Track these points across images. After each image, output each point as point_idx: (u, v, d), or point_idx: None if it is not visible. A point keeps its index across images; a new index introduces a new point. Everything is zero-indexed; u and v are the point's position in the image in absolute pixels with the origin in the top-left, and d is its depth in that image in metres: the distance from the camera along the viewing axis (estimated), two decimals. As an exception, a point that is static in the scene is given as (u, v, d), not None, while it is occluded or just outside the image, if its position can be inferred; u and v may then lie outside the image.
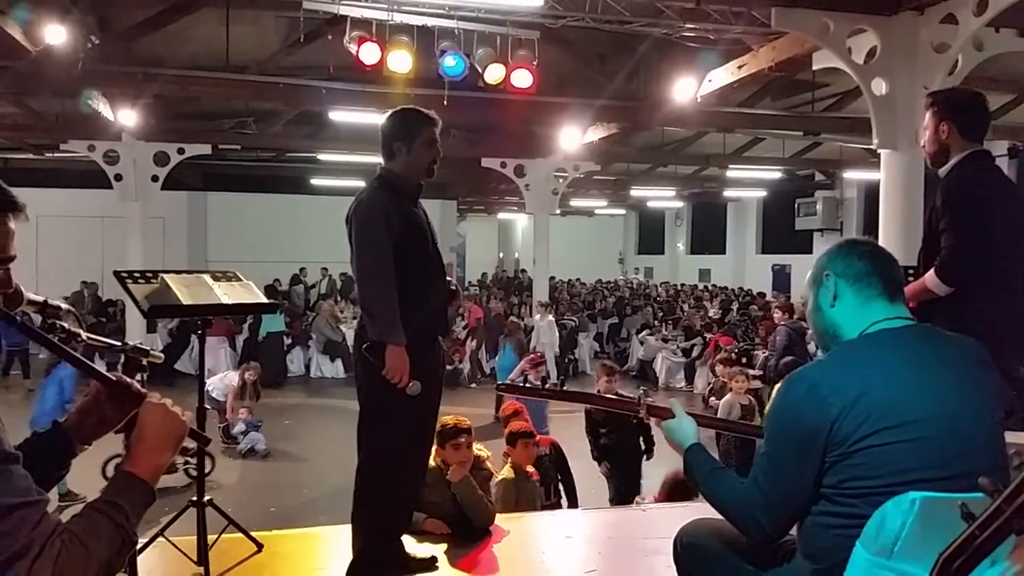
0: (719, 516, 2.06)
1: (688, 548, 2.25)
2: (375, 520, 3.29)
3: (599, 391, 6.42)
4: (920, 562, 1.39)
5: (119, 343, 2.14)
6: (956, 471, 1.69)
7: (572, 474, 6.08)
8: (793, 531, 1.95)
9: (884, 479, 1.70)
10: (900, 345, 1.87)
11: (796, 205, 21.74)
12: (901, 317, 1.93)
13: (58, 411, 7.79)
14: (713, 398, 9.99)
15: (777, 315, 10.61)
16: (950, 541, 1.11)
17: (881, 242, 6.38)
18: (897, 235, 6.40)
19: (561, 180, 15.90)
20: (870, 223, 19.03)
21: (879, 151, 6.70)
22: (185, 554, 3.51)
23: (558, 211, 17.31)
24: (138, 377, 1.81)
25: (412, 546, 3.72)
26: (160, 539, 3.54)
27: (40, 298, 2.06)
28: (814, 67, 7.31)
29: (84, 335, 2.04)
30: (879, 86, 6.51)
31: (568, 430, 10.19)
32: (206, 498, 3.66)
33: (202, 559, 3.47)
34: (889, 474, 1.71)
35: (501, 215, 32.10)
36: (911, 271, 3.54)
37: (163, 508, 3.30)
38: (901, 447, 1.72)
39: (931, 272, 3.18)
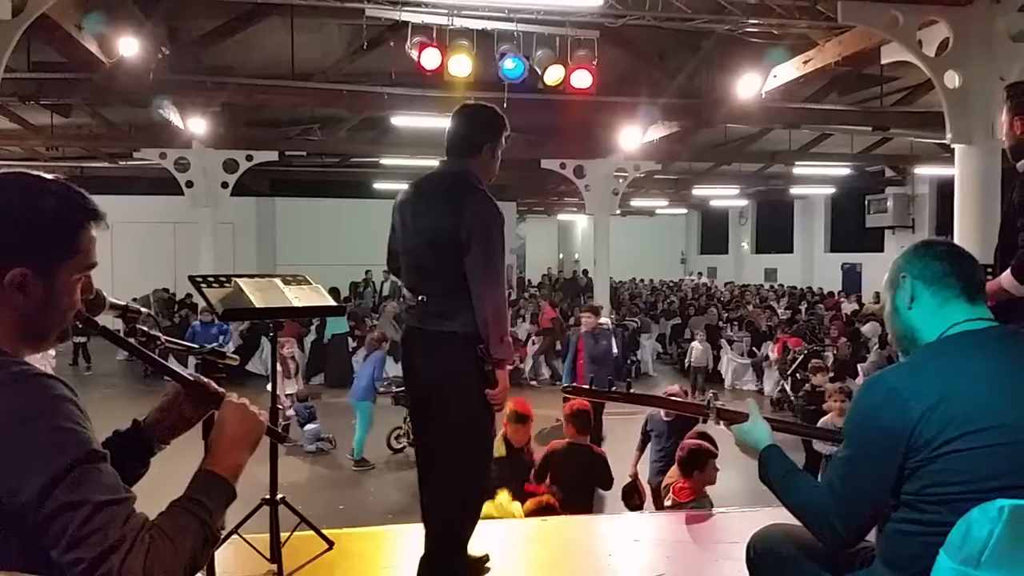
0: (792, 521, 2.01)
1: (763, 554, 2.20)
2: (467, 524, 3.25)
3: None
4: (1010, 573, 1.35)
5: (196, 346, 2.19)
6: None
7: (613, 483, 5.87)
8: (871, 537, 1.90)
9: (968, 485, 1.64)
10: (983, 347, 1.81)
11: (866, 202, 21.22)
12: (983, 319, 1.87)
13: (370, 388, 9.77)
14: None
15: (587, 319, 9.46)
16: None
17: (956, 240, 6.22)
18: (973, 232, 6.20)
19: (621, 180, 15.79)
20: (943, 220, 18.46)
21: (953, 146, 6.51)
22: (259, 551, 3.59)
23: (618, 211, 17.21)
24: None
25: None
26: (234, 536, 3.63)
27: (121, 303, 2.13)
28: (883, 61, 7.14)
29: (163, 338, 2.10)
30: (952, 79, 6.31)
31: (625, 430, 10.13)
32: (278, 496, 3.73)
33: (275, 556, 3.54)
34: (974, 480, 1.65)
35: (561, 216, 32.03)
36: (988, 269, 3.43)
37: (235, 505, 3.38)
38: (986, 452, 1.66)
39: (1007, 272, 3.07)
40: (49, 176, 1.47)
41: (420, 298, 3.16)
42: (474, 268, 2.96)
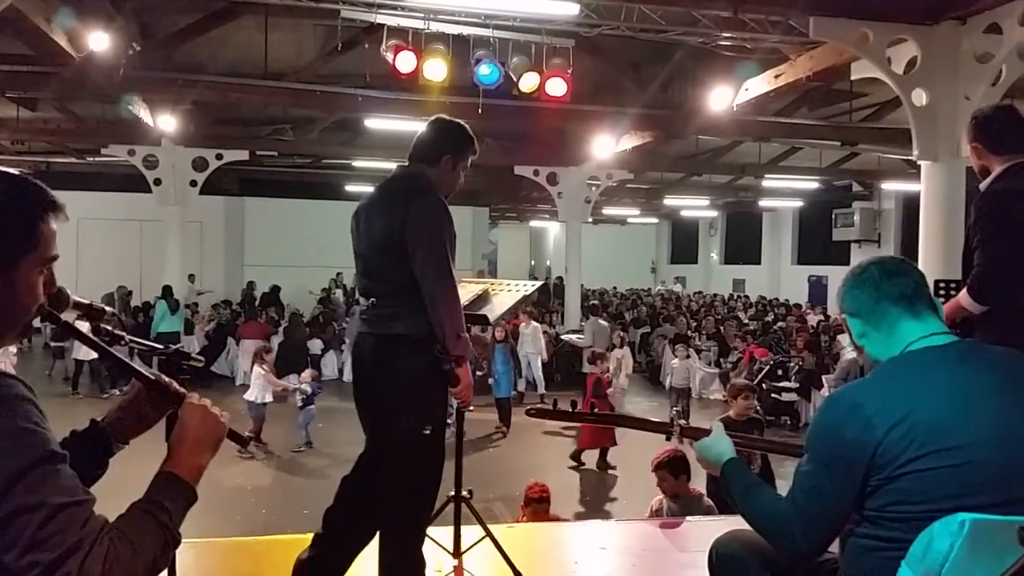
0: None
1: (725, 560, 2.20)
2: (424, 529, 3.18)
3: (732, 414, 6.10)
4: (969, 585, 1.36)
5: (160, 346, 2.16)
6: (1013, 496, 1.63)
7: None
8: (836, 550, 1.90)
9: (930, 504, 1.64)
10: (945, 365, 1.80)
11: (833, 216, 21.52)
12: (939, 333, 1.86)
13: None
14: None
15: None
16: (1003, 565, 1.07)
17: (921, 254, 6.34)
18: (938, 247, 6.31)
19: (594, 188, 15.89)
20: (908, 235, 18.78)
21: (919, 162, 6.61)
22: (442, 546, 3.58)
23: (590, 219, 17.29)
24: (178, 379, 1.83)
25: None
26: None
27: (86, 301, 2.09)
28: (853, 77, 7.25)
29: (127, 338, 2.06)
30: (919, 96, 6.42)
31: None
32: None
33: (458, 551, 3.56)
34: (934, 500, 1.64)
35: (533, 223, 32.10)
36: (953, 284, 3.50)
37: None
38: (949, 472, 1.65)
39: (964, 291, 3.15)
40: (3, 169, 1.44)
41: (371, 301, 3.13)
42: (423, 267, 2.93)
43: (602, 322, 13.15)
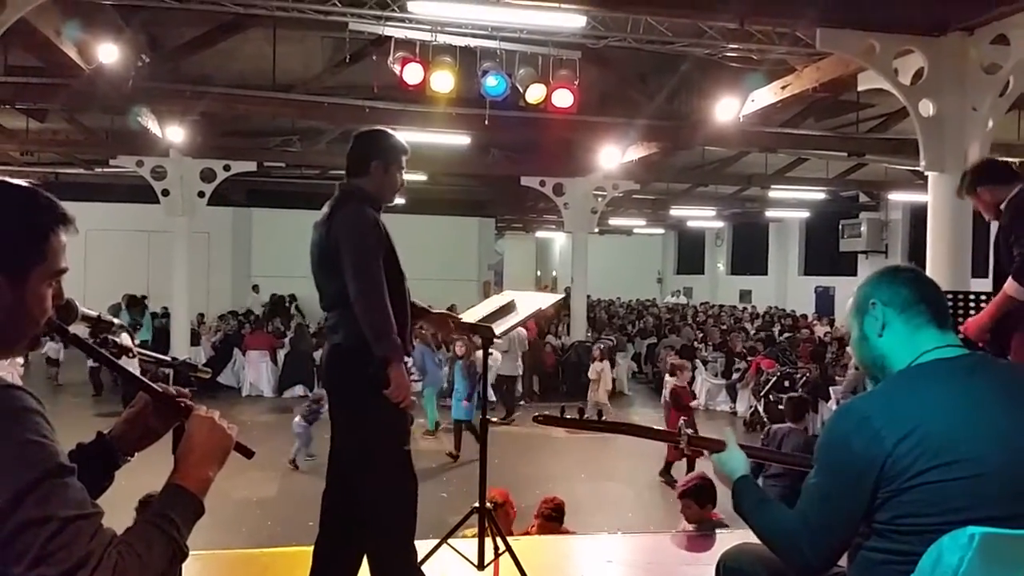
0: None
1: (732, 574, 2.20)
2: (407, 541, 3.14)
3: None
4: (979, 600, 1.35)
5: (168, 358, 2.16)
6: (1022, 510, 1.62)
7: None
8: (845, 564, 1.89)
9: (940, 517, 1.63)
10: (955, 377, 1.80)
11: (840, 226, 21.48)
12: (952, 345, 1.86)
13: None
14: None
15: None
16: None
17: (929, 266, 6.33)
18: (945, 258, 6.30)
19: (600, 199, 15.91)
20: (915, 245, 18.73)
21: (926, 173, 6.60)
22: (466, 558, 3.60)
23: (596, 230, 17.30)
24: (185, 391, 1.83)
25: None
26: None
27: (94, 313, 2.09)
28: (859, 88, 7.25)
29: (135, 350, 2.07)
30: (926, 107, 6.41)
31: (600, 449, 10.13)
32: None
33: (482, 562, 3.59)
34: (945, 512, 1.63)
35: (539, 233, 32.10)
36: (960, 296, 3.59)
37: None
38: (959, 484, 1.65)
39: (1009, 280, 3.34)
40: (15, 181, 1.44)
41: (325, 316, 3.32)
42: (347, 273, 3.03)
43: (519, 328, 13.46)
